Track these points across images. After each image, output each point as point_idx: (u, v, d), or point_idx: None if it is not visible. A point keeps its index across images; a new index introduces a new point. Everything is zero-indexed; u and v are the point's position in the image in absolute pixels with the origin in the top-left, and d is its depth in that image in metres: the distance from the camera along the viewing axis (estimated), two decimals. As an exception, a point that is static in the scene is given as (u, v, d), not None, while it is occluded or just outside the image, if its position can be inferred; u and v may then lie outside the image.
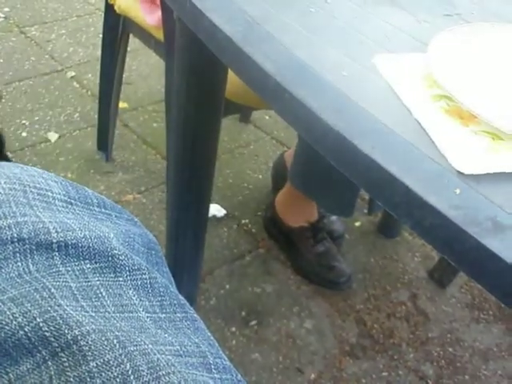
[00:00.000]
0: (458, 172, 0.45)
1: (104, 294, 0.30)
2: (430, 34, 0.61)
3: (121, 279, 0.32)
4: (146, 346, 0.28)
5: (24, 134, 1.73)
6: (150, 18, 1.32)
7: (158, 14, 1.26)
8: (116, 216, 0.37)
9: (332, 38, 0.63)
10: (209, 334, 0.34)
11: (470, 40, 0.61)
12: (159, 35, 1.29)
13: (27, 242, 0.31)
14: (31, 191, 0.34)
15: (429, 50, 0.57)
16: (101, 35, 1.54)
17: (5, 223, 0.31)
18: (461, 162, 0.45)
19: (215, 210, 1.52)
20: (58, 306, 0.28)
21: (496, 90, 0.55)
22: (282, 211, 1.45)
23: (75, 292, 0.29)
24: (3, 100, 1.86)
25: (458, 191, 0.43)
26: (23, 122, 1.77)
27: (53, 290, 0.29)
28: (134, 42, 1.57)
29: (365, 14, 0.69)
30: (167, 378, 0.27)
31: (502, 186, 0.44)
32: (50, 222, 0.32)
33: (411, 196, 0.44)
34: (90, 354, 0.26)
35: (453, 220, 0.41)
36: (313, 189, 1.35)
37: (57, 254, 0.31)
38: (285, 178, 1.45)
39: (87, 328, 0.27)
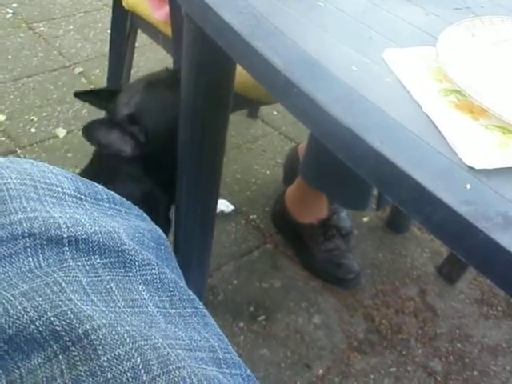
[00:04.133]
0: (469, 167, 0.44)
1: (114, 288, 0.31)
2: (439, 27, 0.60)
3: (131, 274, 0.32)
4: (156, 341, 0.28)
5: (32, 130, 1.73)
6: (158, 14, 1.32)
7: (166, 9, 1.26)
8: (126, 212, 0.37)
9: (341, 32, 0.63)
10: (218, 329, 0.34)
11: (479, 34, 0.61)
12: (167, 31, 1.29)
13: (38, 237, 0.31)
14: (42, 187, 0.34)
15: (438, 44, 0.57)
16: (109, 31, 1.54)
17: (15, 218, 0.31)
18: (471, 157, 0.45)
19: (223, 205, 1.52)
20: (69, 300, 0.28)
21: (506, 84, 0.54)
22: (292, 206, 1.45)
23: (86, 287, 0.30)
24: (12, 96, 1.87)
25: (468, 186, 0.43)
26: (32, 117, 1.78)
27: (64, 284, 0.29)
28: (141, 38, 1.57)
29: (374, 8, 0.69)
30: (177, 372, 0.27)
31: (513, 181, 0.44)
32: (60, 217, 0.32)
33: (421, 191, 0.43)
34: (100, 348, 0.26)
35: (463, 215, 0.41)
36: (326, 183, 1.34)
37: (67, 248, 0.31)
38: (297, 171, 1.44)
39: (98, 322, 0.27)
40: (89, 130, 0.93)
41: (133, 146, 0.97)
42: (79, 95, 1.09)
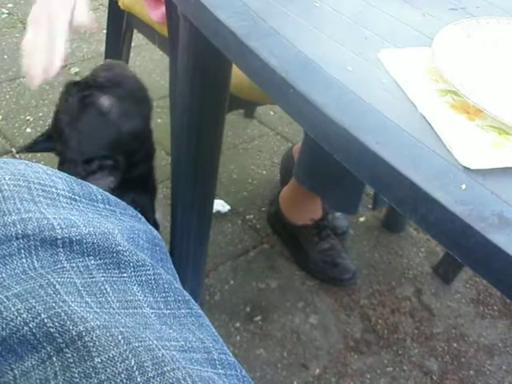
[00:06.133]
0: (464, 167, 0.44)
1: (108, 289, 0.30)
2: (435, 28, 0.61)
3: (125, 275, 0.32)
4: (150, 342, 0.28)
5: (28, 130, 1.73)
6: (154, 14, 1.31)
7: (162, 9, 1.26)
8: (120, 212, 0.37)
9: (337, 32, 0.63)
10: (213, 329, 0.34)
11: (475, 34, 0.61)
12: (163, 31, 1.29)
13: (32, 238, 0.31)
14: (36, 187, 0.34)
15: (434, 44, 0.57)
16: (105, 31, 1.54)
17: (9, 219, 0.31)
18: (467, 157, 0.45)
19: (219, 205, 1.52)
20: (63, 302, 0.28)
21: (502, 85, 0.54)
22: (286, 207, 1.45)
23: (80, 288, 0.29)
24: (7, 96, 1.86)
25: (463, 186, 0.43)
26: (27, 118, 1.78)
27: (57, 286, 0.29)
28: (137, 38, 1.57)
29: (370, 9, 0.69)
30: (172, 373, 0.26)
31: (509, 181, 0.44)
32: (54, 218, 0.32)
33: (416, 191, 0.43)
34: (94, 349, 0.26)
35: (459, 215, 0.41)
36: (318, 185, 1.34)
37: (61, 250, 0.31)
38: (292, 173, 1.44)
39: (92, 324, 0.27)
40: None
41: (116, 176, 0.95)
42: (26, 150, 1.04)
